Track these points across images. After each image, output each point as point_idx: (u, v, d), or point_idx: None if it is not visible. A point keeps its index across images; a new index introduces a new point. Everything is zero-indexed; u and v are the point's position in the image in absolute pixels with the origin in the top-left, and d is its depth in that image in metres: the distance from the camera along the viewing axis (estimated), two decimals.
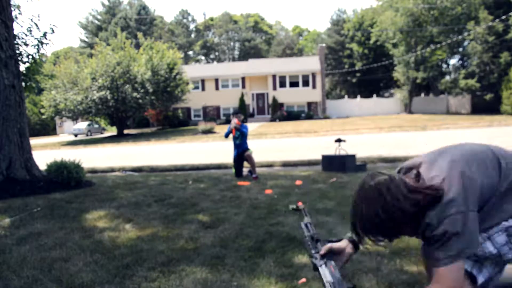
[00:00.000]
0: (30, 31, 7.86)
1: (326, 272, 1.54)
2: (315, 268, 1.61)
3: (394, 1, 32.25)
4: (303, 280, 2.51)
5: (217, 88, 34.25)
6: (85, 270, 2.80)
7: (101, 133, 34.15)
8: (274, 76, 32.58)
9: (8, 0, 6.16)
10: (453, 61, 34.30)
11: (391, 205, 1.36)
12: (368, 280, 2.44)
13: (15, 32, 6.89)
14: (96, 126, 33.34)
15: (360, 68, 41.72)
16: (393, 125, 20.40)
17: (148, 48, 27.00)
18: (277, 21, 70.52)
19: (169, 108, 30.55)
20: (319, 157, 7.63)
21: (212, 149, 13.93)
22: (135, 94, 23.56)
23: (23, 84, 7.40)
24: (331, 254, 1.65)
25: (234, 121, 6.95)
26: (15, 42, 6.78)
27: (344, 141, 7.46)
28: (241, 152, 6.93)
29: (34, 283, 2.62)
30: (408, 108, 33.64)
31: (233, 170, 7.18)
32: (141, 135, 26.06)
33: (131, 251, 3.18)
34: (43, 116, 27.97)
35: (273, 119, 31.32)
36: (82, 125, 32.58)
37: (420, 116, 28.15)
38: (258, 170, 7.17)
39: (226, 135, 7.20)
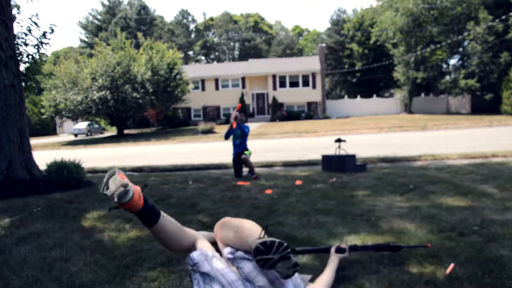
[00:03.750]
0: (30, 30, 7.86)
1: None
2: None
3: (394, 1, 32.24)
4: None
5: (217, 88, 34.25)
6: (85, 270, 2.80)
7: (101, 133, 34.14)
8: (274, 76, 32.58)
9: (8, 0, 6.16)
10: (453, 61, 34.33)
11: None
12: (368, 280, 2.44)
13: (15, 32, 6.89)
14: (96, 126, 33.34)
15: (360, 68, 41.71)
16: (393, 125, 20.40)
17: (148, 48, 27.00)
18: (277, 21, 70.48)
19: (169, 108, 30.54)
20: (319, 157, 7.63)
21: (212, 149, 13.93)
22: (135, 94, 23.56)
23: (23, 84, 7.40)
24: None
25: (235, 113, 6.80)
26: (15, 42, 6.78)
27: (344, 141, 7.45)
28: (240, 152, 6.89)
29: (34, 283, 2.62)
30: (408, 108, 33.65)
31: (233, 170, 7.17)
32: (141, 135, 26.06)
33: (131, 251, 3.18)
34: (43, 116, 27.96)
35: (273, 119, 31.32)
36: (82, 125, 32.57)
37: (420, 116, 28.15)
38: (258, 170, 7.17)
39: (227, 136, 7.02)
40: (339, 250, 2.39)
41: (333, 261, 2.30)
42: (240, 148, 6.91)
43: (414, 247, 2.77)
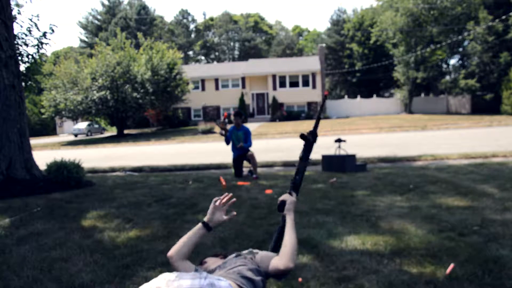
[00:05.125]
0: (30, 31, 7.85)
1: None
2: None
3: (394, 1, 32.23)
4: (300, 279, 2.51)
5: (217, 88, 34.24)
6: (85, 270, 2.80)
7: (101, 133, 34.13)
8: (274, 76, 32.58)
9: (8, 0, 6.16)
10: (453, 61, 34.35)
11: None
12: (368, 280, 2.44)
13: (15, 32, 6.89)
14: (96, 126, 33.32)
15: (360, 68, 41.69)
16: (393, 125, 20.39)
17: (148, 48, 26.98)
18: (277, 21, 70.47)
19: (169, 108, 30.53)
20: (319, 157, 7.63)
21: (212, 149, 13.93)
22: (135, 94, 23.56)
23: (23, 84, 7.40)
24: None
25: (220, 120, 6.87)
26: (15, 42, 6.78)
27: (344, 141, 7.44)
28: (243, 153, 6.87)
29: (34, 283, 2.62)
30: (408, 108, 33.63)
31: (233, 170, 7.16)
32: (141, 135, 26.06)
33: (131, 251, 3.18)
34: (43, 116, 27.95)
35: (273, 119, 31.31)
36: (82, 125, 32.57)
37: (420, 116, 28.14)
38: (258, 170, 7.16)
39: (227, 142, 6.98)
40: (281, 206, 2.02)
41: (289, 221, 1.92)
42: (242, 151, 6.88)
43: (314, 128, 2.25)
